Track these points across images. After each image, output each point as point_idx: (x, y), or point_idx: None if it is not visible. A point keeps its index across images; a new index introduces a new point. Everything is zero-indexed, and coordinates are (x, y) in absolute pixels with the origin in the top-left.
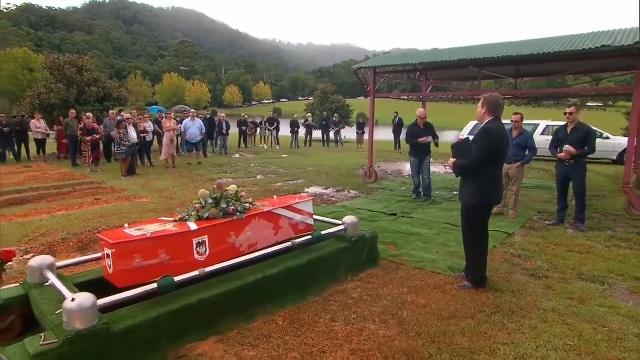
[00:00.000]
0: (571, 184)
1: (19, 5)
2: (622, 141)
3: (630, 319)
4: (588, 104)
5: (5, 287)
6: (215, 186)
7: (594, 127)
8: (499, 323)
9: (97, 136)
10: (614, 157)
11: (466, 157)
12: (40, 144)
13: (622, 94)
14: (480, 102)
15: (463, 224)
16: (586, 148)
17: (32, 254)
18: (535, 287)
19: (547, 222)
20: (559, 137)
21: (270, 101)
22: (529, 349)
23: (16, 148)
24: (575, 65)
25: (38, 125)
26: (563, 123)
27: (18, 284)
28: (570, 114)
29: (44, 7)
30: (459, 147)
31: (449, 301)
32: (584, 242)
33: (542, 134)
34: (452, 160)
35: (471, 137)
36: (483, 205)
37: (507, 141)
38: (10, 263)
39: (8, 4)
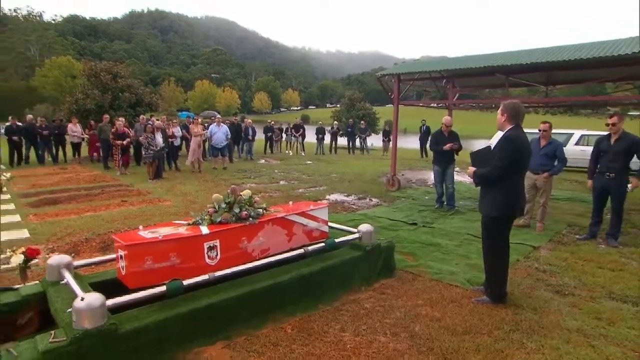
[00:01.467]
0: (609, 198)
1: (65, 16)
2: None
3: None
4: (630, 112)
5: (27, 284)
6: (229, 191)
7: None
8: (517, 341)
9: (127, 140)
10: None
11: (486, 166)
12: (76, 147)
13: None
14: (500, 109)
15: (483, 236)
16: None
17: (56, 252)
18: (560, 305)
19: (578, 237)
20: (600, 149)
21: (299, 108)
22: None
23: (54, 151)
24: (613, 72)
25: (74, 129)
26: (599, 132)
27: (37, 282)
28: (613, 124)
29: (87, 17)
30: (479, 155)
31: (465, 316)
32: (617, 258)
33: (577, 144)
34: (471, 168)
35: (486, 146)
36: (504, 216)
37: (529, 150)
38: (35, 260)
39: (55, 15)
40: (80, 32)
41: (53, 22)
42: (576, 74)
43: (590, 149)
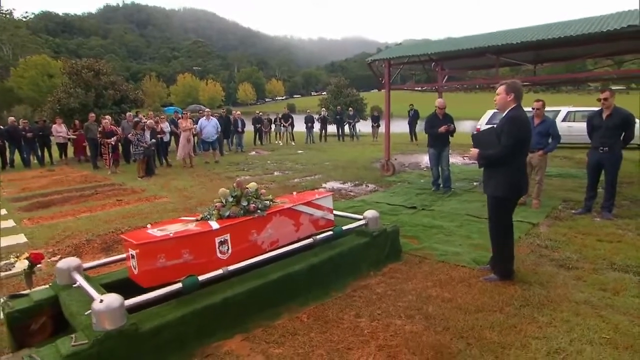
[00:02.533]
0: (603, 172)
1: (36, 13)
2: None
3: None
4: (610, 87)
5: (35, 289)
6: (235, 184)
7: None
8: (529, 316)
9: (115, 138)
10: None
11: (489, 147)
12: (62, 147)
13: None
14: (502, 88)
15: (490, 216)
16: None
17: (59, 256)
18: (565, 279)
19: (573, 211)
20: (593, 124)
21: (284, 97)
22: (562, 342)
23: (39, 152)
24: (598, 48)
25: (59, 129)
26: (586, 108)
27: (47, 286)
28: (605, 99)
29: (60, 13)
30: (482, 137)
31: (475, 294)
32: (614, 230)
33: (564, 120)
34: (474, 150)
35: (488, 127)
36: (511, 196)
37: (530, 129)
38: (39, 265)
39: (26, 12)
40: (53, 29)
41: (24, 19)
42: (563, 51)
43: (576, 124)
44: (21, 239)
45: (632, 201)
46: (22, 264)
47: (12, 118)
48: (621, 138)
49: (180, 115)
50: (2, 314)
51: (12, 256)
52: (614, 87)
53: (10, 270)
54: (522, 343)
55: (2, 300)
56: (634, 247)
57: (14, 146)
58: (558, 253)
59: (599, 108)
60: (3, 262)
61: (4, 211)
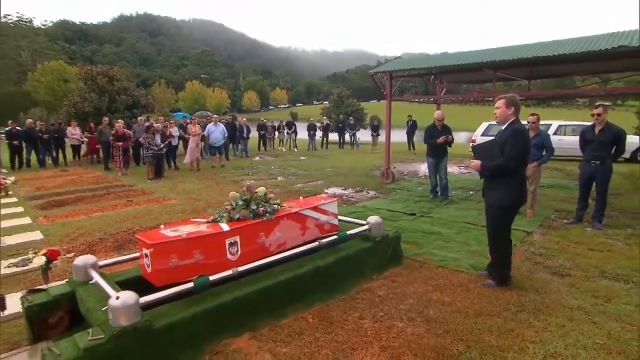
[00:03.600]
0: (594, 184)
1: (54, 21)
2: (635, 140)
3: None
4: (597, 103)
5: (52, 284)
6: (244, 188)
7: None
8: (525, 321)
9: (127, 141)
10: (627, 156)
11: (490, 159)
12: (76, 149)
13: (633, 93)
14: (503, 102)
15: (490, 225)
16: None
17: (73, 253)
18: (559, 285)
19: (565, 221)
20: (586, 138)
21: (287, 106)
22: (558, 347)
23: (54, 153)
24: (587, 66)
25: (73, 132)
26: (575, 123)
27: (64, 282)
28: (599, 114)
29: (77, 22)
30: (484, 149)
31: (473, 299)
32: (604, 240)
33: (555, 133)
34: (476, 162)
35: (486, 138)
36: (514, 205)
37: (530, 142)
38: (55, 262)
39: (45, 20)
40: (70, 36)
41: (43, 27)
42: (556, 68)
43: (566, 138)
44: (37, 235)
45: (621, 212)
46: (39, 260)
47: (30, 120)
48: (612, 152)
49: (189, 121)
50: (21, 308)
51: (30, 252)
52: (600, 103)
53: (27, 265)
54: (520, 347)
55: (21, 294)
56: (623, 256)
57: (30, 147)
58: (551, 261)
59: (592, 123)
60: (20, 258)
61: (20, 208)
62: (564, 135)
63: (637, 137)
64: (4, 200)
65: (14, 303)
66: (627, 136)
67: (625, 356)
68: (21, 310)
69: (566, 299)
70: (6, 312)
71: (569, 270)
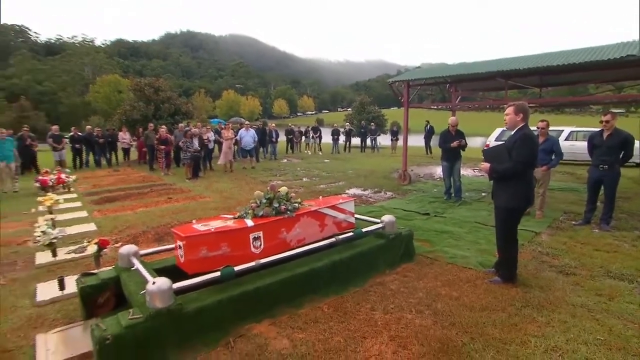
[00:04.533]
0: (602, 187)
1: (112, 40)
2: None
3: None
4: (610, 110)
5: (102, 269)
6: (268, 188)
7: None
8: (529, 316)
9: (167, 145)
10: (638, 160)
11: (499, 162)
12: (126, 152)
13: None
14: (512, 109)
15: (499, 225)
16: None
17: (120, 243)
18: (564, 284)
19: (574, 222)
20: (594, 143)
21: (313, 112)
22: (559, 341)
23: (108, 155)
24: (599, 75)
25: (124, 136)
26: (587, 129)
27: (111, 268)
28: (607, 122)
29: (130, 40)
30: (492, 152)
31: (480, 294)
32: (611, 241)
33: (567, 139)
34: (486, 164)
35: (499, 143)
36: (521, 207)
37: (538, 146)
38: (105, 250)
39: (105, 40)
40: (124, 53)
41: (103, 46)
42: (566, 76)
43: (578, 143)
44: (92, 227)
45: (629, 215)
46: (92, 248)
47: (89, 127)
48: (620, 157)
49: (223, 126)
50: (76, 288)
51: (85, 241)
52: (613, 110)
53: (83, 252)
54: (522, 340)
55: (77, 277)
56: (629, 257)
57: (88, 150)
58: (558, 260)
59: (600, 128)
60: (78, 246)
61: (79, 203)
62: (576, 140)
63: None
64: (66, 196)
65: (71, 284)
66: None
67: (625, 352)
68: (76, 291)
69: (570, 296)
70: (65, 292)
71: (575, 269)
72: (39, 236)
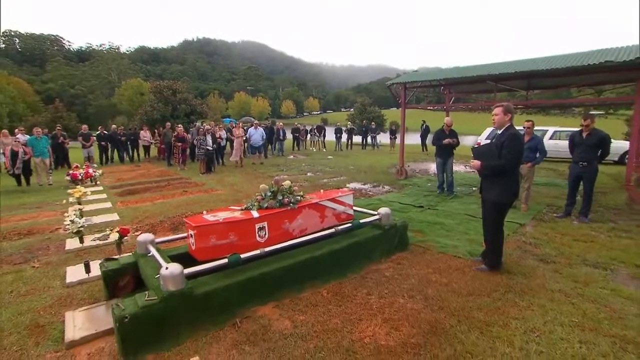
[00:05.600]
0: (581, 183)
1: (135, 47)
2: (623, 144)
3: (631, 300)
4: (591, 112)
5: (123, 255)
6: (273, 182)
7: None
8: (511, 301)
9: (183, 143)
10: (616, 158)
11: (488, 159)
12: (146, 149)
13: (623, 103)
14: (500, 109)
15: (488, 218)
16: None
17: (139, 232)
18: (544, 271)
19: (555, 215)
20: (575, 142)
21: (318, 112)
22: (537, 323)
23: (130, 152)
24: (581, 79)
25: (145, 135)
26: (569, 129)
27: (131, 254)
28: (587, 125)
29: (152, 47)
30: (484, 151)
31: (467, 281)
32: (589, 232)
33: (551, 138)
34: (476, 162)
35: (487, 141)
36: (508, 202)
37: (524, 145)
38: (125, 237)
39: (129, 47)
40: (146, 58)
41: (127, 52)
42: (550, 80)
43: (561, 142)
44: (115, 217)
45: (606, 208)
46: (114, 236)
47: (114, 126)
48: (598, 154)
49: (234, 125)
50: (100, 272)
51: (108, 229)
52: (594, 112)
53: (106, 240)
54: (504, 322)
55: (100, 261)
56: (604, 247)
57: (113, 147)
58: (540, 249)
59: (580, 128)
60: (102, 234)
61: (104, 195)
62: (559, 139)
63: (625, 142)
64: (93, 189)
65: (96, 268)
66: (617, 141)
67: (597, 333)
68: (100, 274)
69: (549, 282)
70: (91, 275)
71: (554, 258)
72: (68, 225)
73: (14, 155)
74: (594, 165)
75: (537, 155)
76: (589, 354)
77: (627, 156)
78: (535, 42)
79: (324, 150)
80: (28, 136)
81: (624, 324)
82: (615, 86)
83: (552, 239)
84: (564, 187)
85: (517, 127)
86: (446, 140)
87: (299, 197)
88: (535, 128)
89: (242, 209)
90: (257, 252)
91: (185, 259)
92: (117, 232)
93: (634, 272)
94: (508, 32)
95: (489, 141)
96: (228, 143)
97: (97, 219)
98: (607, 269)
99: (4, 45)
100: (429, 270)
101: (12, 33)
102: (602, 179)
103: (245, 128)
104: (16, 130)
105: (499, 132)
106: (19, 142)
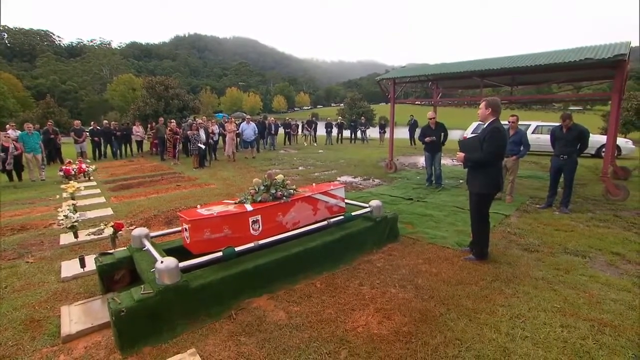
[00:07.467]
0: (562, 175)
1: (127, 42)
2: (599, 138)
3: (608, 286)
4: (570, 107)
5: (118, 249)
6: (266, 175)
7: None
8: (498, 289)
9: (178, 137)
10: (593, 152)
11: (474, 152)
12: (139, 144)
13: (600, 99)
14: (483, 104)
15: (473, 209)
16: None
17: (134, 226)
18: (528, 260)
19: (538, 206)
20: (556, 136)
21: (309, 107)
22: (522, 310)
23: (123, 147)
24: (561, 75)
25: (137, 130)
26: (551, 123)
27: (125, 248)
28: (566, 124)
29: (143, 43)
30: (467, 143)
31: (456, 270)
32: (569, 222)
33: (533, 132)
34: (461, 154)
35: (473, 135)
36: (490, 192)
37: (507, 138)
38: (120, 232)
39: (120, 42)
40: (138, 54)
41: (118, 48)
42: (533, 76)
43: (543, 136)
44: (109, 211)
45: (584, 199)
46: (108, 230)
47: (106, 121)
48: (577, 148)
49: (226, 120)
50: (95, 266)
51: (102, 224)
52: (572, 108)
53: (101, 234)
54: (491, 309)
55: (95, 256)
56: (583, 236)
57: (106, 142)
58: (524, 239)
59: (559, 124)
60: (96, 228)
61: (98, 190)
62: (541, 134)
63: (601, 136)
64: (86, 184)
65: (91, 262)
66: (594, 135)
67: (577, 317)
68: (95, 268)
69: (533, 270)
70: (86, 269)
71: (537, 247)
72: (62, 220)
73: (4, 150)
74: (574, 158)
75: (521, 148)
76: (569, 337)
77: (603, 149)
78: (530, 39)
79: (315, 144)
80: (19, 132)
81: (602, 308)
82: (592, 83)
83: (535, 229)
84: (546, 180)
85: (503, 122)
86: (428, 139)
87: (291, 191)
88: (519, 123)
89: (235, 203)
90: (252, 245)
91: (180, 252)
92: (112, 226)
93: (610, 259)
94: (501, 29)
95: (473, 135)
96: (221, 138)
97: (91, 214)
98: (586, 257)
99: None
100: (419, 261)
101: (1, 28)
102: (580, 171)
103: (237, 123)
104: (7, 126)
105: (484, 125)
106: (9, 137)
